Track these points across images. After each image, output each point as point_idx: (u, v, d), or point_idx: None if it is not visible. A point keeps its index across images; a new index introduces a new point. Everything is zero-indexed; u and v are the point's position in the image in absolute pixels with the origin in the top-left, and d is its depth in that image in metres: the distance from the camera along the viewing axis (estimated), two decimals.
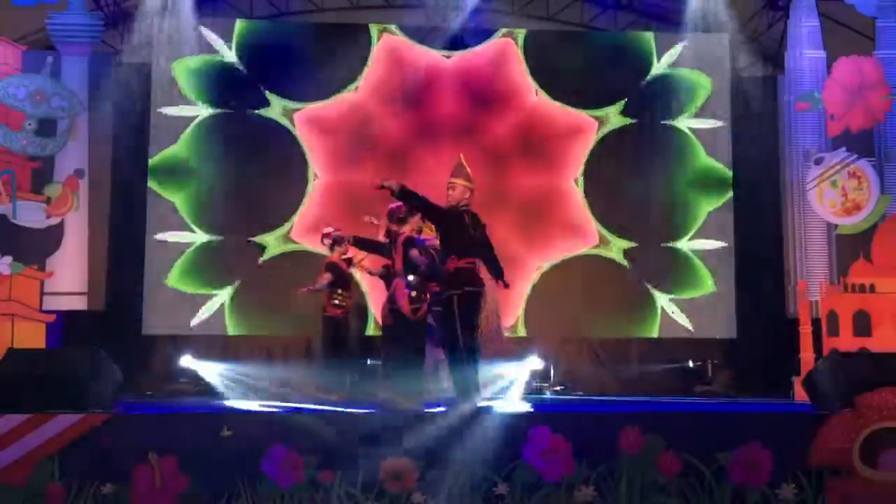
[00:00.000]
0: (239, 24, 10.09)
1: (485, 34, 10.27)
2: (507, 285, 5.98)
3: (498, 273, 5.94)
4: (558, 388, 9.60)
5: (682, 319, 10.10)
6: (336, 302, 7.96)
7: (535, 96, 9.52)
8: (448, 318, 5.61)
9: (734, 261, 10.31)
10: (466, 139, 9.85)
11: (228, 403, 7.53)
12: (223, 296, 9.88)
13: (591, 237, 10.03)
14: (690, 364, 10.04)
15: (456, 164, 5.83)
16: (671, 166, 10.38)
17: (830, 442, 4.71)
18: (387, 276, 7.02)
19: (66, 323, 9.52)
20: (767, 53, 10.95)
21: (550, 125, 9.99)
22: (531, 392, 9.54)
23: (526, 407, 5.84)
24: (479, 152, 9.72)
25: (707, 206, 10.27)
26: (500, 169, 10.02)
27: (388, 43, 9.87)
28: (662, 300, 10.17)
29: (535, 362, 9.71)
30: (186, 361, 9.52)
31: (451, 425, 4.80)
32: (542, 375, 9.70)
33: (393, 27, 9.85)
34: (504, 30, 10.38)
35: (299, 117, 9.96)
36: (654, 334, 10.14)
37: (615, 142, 10.33)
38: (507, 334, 5.57)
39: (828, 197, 9.90)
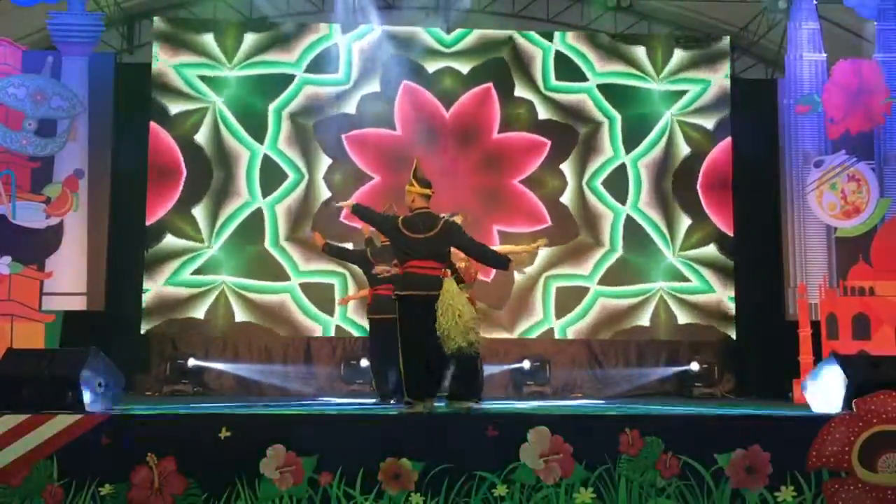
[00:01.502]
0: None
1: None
2: (520, 272, 6.08)
3: (495, 264, 5.98)
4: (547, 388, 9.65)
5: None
6: None
7: (496, 133, 10.34)
8: (394, 322, 5.75)
9: (734, 263, 10.32)
10: (461, 152, 10.21)
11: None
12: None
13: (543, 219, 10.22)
14: (696, 367, 10.03)
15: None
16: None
17: (829, 444, 4.71)
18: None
19: (65, 323, 9.52)
20: (767, 56, 10.97)
21: (515, 144, 10.35)
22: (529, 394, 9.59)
23: None
24: (468, 163, 10.18)
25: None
26: (490, 175, 10.22)
27: (407, 89, 10.26)
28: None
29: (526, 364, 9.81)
30: (194, 363, 9.60)
31: (451, 426, 4.80)
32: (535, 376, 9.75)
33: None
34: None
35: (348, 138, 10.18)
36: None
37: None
38: (470, 335, 5.46)
39: (827, 200, 9.91)
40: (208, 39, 10.14)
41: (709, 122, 10.46)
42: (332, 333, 9.98)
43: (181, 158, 10.00)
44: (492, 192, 10.21)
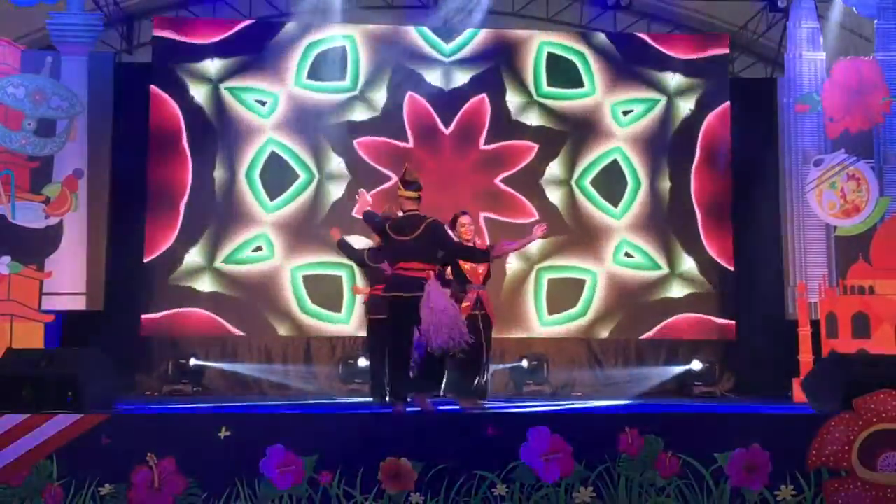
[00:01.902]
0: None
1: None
2: (502, 257, 6.30)
3: (480, 259, 6.13)
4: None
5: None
6: None
7: (486, 141, 10.43)
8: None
9: (733, 262, 10.32)
10: (459, 157, 10.30)
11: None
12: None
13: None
14: (697, 366, 10.01)
15: None
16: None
17: (829, 443, 4.71)
18: None
19: (64, 323, 9.51)
20: (767, 55, 10.97)
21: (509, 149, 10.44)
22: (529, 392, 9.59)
23: None
24: (465, 167, 10.27)
25: None
26: (484, 176, 10.30)
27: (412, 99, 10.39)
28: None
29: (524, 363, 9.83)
30: (194, 363, 9.62)
31: (451, 426, 4.81)
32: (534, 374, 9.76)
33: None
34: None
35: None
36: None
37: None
38: (452, 330, 5.54)
39: (827, 199, 9.91)
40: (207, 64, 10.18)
41: (700, 91, 10.52)
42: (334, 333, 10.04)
43: (182, 121, 10.03)
44: (484, 193, 10.20)
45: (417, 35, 10.43)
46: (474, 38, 10.46)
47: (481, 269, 6.44)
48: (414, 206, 5.81)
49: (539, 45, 10.51)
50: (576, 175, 10.39)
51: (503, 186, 10.30)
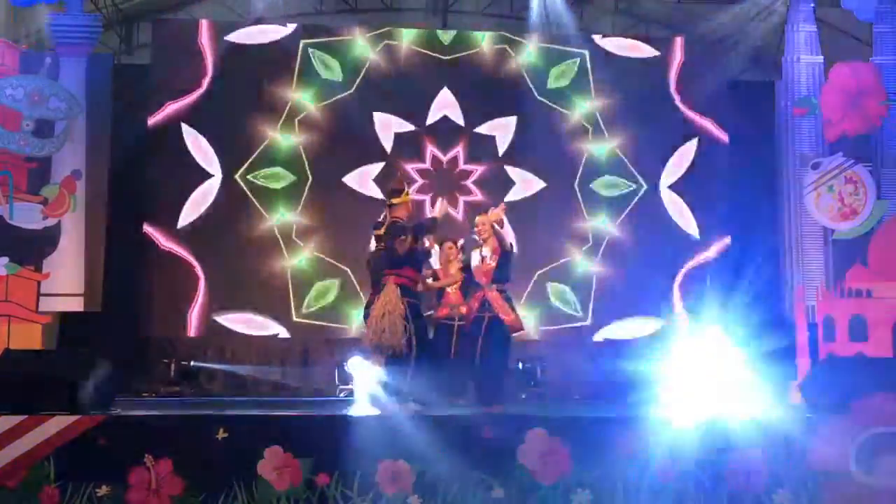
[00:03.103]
0: None
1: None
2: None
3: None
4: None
5: None
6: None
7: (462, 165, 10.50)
8: None
9: (731, 264, 10.32)
10: (449, 169, 10.31)
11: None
12: None
13: None
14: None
15: None
16: None
17: (826, 446, 4.72)
18: None
19: (62, 324, 9.50)
20: (765, 58, 10.98)
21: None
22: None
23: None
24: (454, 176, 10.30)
25: None
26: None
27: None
28: None
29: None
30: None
31: (449, 427, 4.81)
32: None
33: None
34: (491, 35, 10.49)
35: None
36: None
37: None
38: (380, 338, 5.75)
39: (825, 202, 9.90)
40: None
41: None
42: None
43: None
44: (463, 189, 10.17)
45: (417, 39, 10.43)
46: (480, 42, 10.45)
47: (486, 267, 6.38)
48: (398, 214, 6.03)
49: (526, 52, 10.49)
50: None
51: (472, 186, 10.31)
